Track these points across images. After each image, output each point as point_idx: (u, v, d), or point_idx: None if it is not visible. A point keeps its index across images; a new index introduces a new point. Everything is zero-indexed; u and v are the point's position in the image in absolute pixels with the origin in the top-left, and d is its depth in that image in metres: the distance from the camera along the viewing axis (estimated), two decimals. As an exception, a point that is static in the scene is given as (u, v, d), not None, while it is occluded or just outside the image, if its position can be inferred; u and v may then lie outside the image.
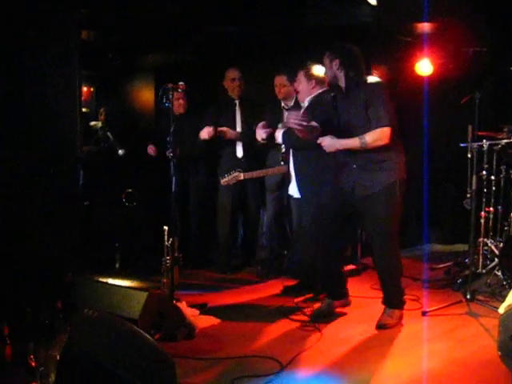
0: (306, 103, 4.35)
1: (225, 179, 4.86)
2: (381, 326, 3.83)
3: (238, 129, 5.22)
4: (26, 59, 4.04)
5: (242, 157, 5.21)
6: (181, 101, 5.33)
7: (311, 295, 4.46)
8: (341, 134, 3.79)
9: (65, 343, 2.50)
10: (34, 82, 4.10)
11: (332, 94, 3.93)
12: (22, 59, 4.02)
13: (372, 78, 3.81)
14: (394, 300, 3.91)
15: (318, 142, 3.77)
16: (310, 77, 4.29)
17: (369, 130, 3.66)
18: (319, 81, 4.26)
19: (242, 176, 4.85)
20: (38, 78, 4.12)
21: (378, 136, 3.64)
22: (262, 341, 3.65)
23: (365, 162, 3.75)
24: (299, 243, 4.60)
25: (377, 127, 3.64)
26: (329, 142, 3.75)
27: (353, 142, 3.68)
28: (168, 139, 4.12)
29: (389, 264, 3.86)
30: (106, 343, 2.68)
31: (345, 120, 3.81)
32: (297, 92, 4.46)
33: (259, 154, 5.16)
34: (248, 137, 5.05)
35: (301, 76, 4.32)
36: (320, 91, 4.28)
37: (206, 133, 5.09)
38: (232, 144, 5.23)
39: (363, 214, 3.84)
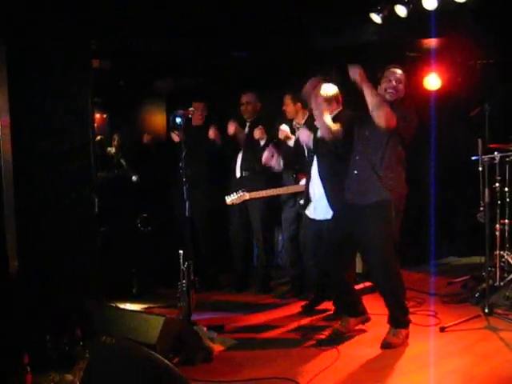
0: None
1: (230, 199, 4.88)
2: (386, 345, 3.79)
3: (241, 153, 5.27)
4: (42, 91, 4.14)
5: (241, 176, 5.23)
6: (200, 112, 5.39)
7: (330, 313, 4.47)
8: (359, 151, 3.85)
9: (84, 371, 2.53)
10: (48, 112, 4.19)
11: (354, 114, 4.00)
12: (39, 91, 4.11)
13: None
14: (398, 319, 3.88)
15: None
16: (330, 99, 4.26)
17: (383, 156, 3.73)
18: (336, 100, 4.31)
19: (247, 196, 4.85)
20: (52, 108, 4.21)
21: (389, 114, 3.62)
22: (279, 362, 3.65)
23: (367, 172, 3.77)
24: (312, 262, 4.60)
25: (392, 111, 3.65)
26: (362, 74, 3.69)
27: (375, 95, 3.66)
28: (182, 156, 4.18)
29: (388, 284, 3.84)
30: (125, 370, 2.71)
31: (364, 138, 3.84)
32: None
33: (266, 174, 5.14)
34: (250, 148, 5.13)
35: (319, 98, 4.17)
36: (338, 110, 4.29)
37: (231, 127, 5.12)
38: (233, 164, 5.31)
39: (358, 228, 3.84)
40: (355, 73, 3.71)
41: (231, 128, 5.11)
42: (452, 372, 3.41)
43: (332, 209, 4.25)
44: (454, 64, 5.80)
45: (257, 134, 5.00)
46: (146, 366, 2.76)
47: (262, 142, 5.03)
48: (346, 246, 3.98)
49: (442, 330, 4.05)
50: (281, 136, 4.72)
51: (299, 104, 4.84)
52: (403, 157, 3.82)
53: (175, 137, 5.25)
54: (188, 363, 3.54)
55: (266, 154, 4.79)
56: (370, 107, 3.67)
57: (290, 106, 4.94)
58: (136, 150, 6.12)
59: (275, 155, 4.79)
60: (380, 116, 3.65)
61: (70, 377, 3.23)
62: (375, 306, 4.24)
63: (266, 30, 5.40)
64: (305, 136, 4.34)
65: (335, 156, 4.07)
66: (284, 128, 4.72)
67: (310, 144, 4.33)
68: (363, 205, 3.79)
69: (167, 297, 4.73)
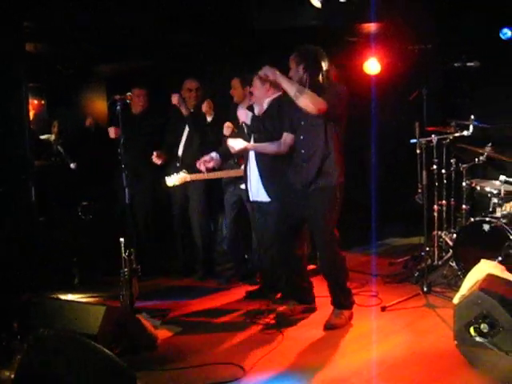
0: (265, 106, 4.36)
1: (171, 180, 4.78)
2: (329, 327, 3.85)
3: (185, 134, 5.17)
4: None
5: (183, 157, 5.13)
6: (140, 99, 5.28)
7: (277, 297, 4.48)
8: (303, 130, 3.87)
9: (18, 364, 2.45)
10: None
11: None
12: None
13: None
14: (341, 301, 3.95)
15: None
16: (263, 81, 4.26)
17: (320, 137, 3.74)
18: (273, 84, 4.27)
19: (188, 177, 4.80)
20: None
21: (314, 99, 3.64)
22: (224, 347, 3.65)
23: (312, 155, 3.81)
24: (261, 247, 4.59)
25: (319, 96, 3.66)
26: (273, 71, 3.75)
27: (291, 84, 3.69)
28: (121, 143, 4.07)
29: (331, 266, 3.91)
30: (63, 361, 2.64)
31: (300, 122, 3.86)
32: (251, 95, 4.50)
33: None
34: (194, 123, 5.04)
35: (255, 81, 4.31)
36: (278, 94, 4.28)
37: (175, 97, 4.99)
38: (175, 146, 5.22)
39: (306, 211, 3.88)
40: (267, 72, 3.74)
41: (174, 98, 5.01)
42: (393, 349, 3.51)
43: (267, 191, 4.26)
44: (394, 48, 5.89)
45: (204, 106, 4.92)
46: (87, 356, 2.70)
47: (209, 118, 4.98)
48: (296, 227, 4.00)
49: (383, 309, 4.14)
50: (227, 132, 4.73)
51: (248, 88, 4.79)
52: (341, 141, 3.85)
53: (112, 132, 5.09)
54: (131, 352, 3.48)
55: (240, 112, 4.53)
56: (293, 98, 3.67)
57: (238, 90, 4.88)
58: (77, 135, 5.95)
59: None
60: (306, 103, 3.65)
61: (7, 372, 3.13)
62: (320, 289, 4.28)
63: (207, 13, 5.32)
64: (243, 115, 4.36)
65: (269, 138, 4.13)
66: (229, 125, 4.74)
67: (248, 121, 4.34)
68: (310, 189, 3.83)
69: (110, 286, 4.62)
